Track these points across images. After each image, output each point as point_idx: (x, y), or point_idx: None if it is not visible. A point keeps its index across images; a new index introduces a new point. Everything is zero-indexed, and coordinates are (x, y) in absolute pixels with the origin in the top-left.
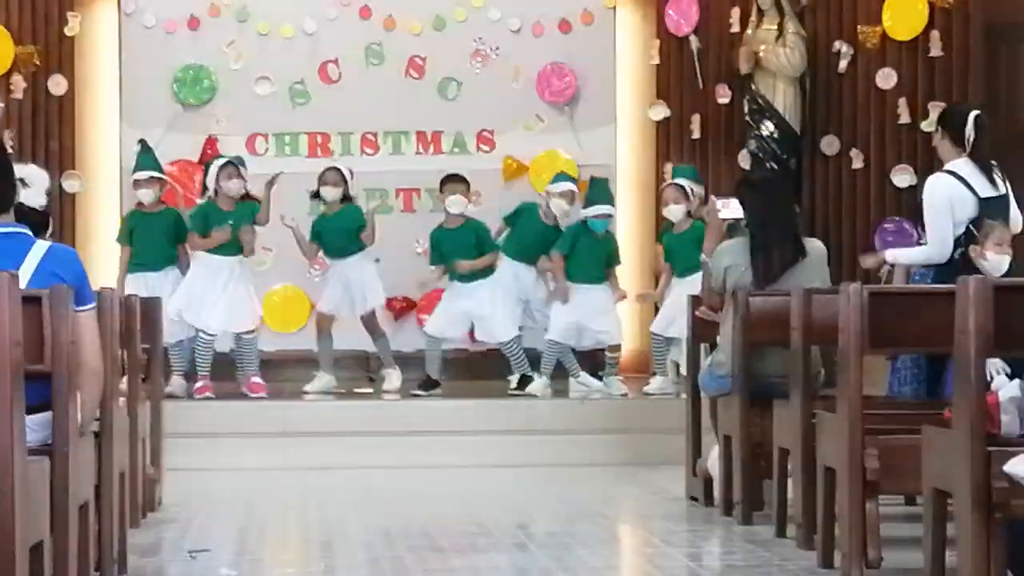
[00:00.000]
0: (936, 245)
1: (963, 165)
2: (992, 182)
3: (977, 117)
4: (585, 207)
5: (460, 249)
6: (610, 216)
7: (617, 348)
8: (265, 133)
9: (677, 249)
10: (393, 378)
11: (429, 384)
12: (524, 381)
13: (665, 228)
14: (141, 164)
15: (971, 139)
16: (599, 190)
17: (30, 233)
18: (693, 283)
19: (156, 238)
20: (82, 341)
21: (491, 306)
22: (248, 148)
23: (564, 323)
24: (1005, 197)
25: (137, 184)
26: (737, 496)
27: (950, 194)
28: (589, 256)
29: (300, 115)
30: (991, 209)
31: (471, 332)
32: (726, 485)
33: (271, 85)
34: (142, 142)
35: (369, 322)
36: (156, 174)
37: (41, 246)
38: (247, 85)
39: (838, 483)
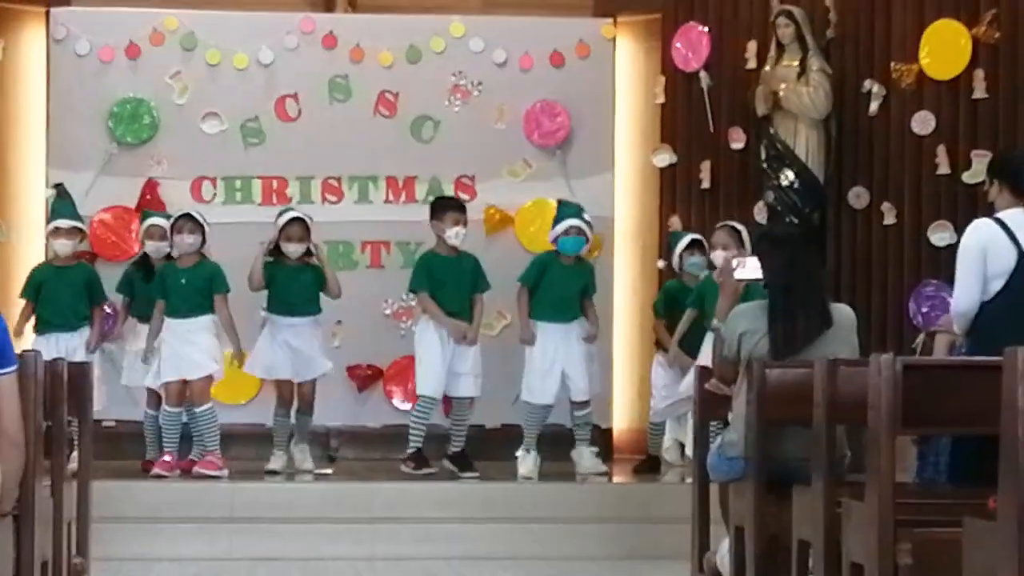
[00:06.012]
0: (960, 297)
1: (1016, 214)
2: None
3: None
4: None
5: (453, 281)
6: (583, 234)
7: (586, 404)
8: (213, 177)
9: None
10: (308, 458)
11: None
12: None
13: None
14: (59, 211)
15: None
16: (568, 209)
17: None
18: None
19: (68, 295)
20: (1, 408)
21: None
22: (193, 194)
23: (540, 377)
24: None
25: (56, 234)
26: None
27: (985, 242)
28: (561, 289)
29: (253, 157)
30: None
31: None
32: None
33: (220, 122)
34: (58, 187)
35: (308, 393)
36: (77, 224)
37: None
38: (193, 122)
39: None
